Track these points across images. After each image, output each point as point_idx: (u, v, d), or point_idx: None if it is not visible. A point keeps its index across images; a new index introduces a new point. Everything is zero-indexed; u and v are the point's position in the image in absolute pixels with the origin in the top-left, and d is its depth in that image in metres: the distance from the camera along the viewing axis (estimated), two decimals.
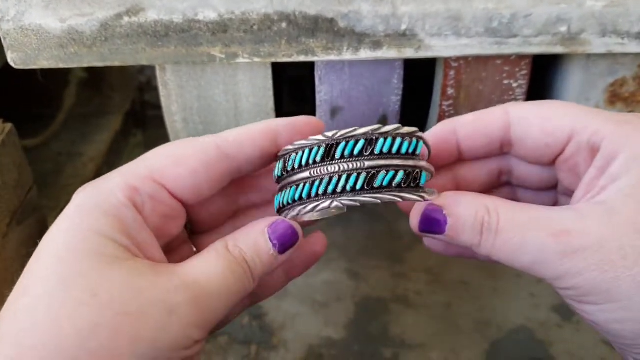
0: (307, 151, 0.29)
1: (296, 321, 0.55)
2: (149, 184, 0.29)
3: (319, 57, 0.46)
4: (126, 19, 0.44)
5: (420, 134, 0.30)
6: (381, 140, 0.29)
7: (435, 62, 0.51)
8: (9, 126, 0.52)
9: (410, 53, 0.46)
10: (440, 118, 0.52)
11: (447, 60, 0.49)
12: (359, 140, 0.29)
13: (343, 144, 0.29)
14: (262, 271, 0.30)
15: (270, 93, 0.50)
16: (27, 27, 0.44)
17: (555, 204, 0.36)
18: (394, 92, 0.50)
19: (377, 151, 0.28)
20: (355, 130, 0.29)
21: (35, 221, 0.56)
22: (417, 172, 0.29)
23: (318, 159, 0.29)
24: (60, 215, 0.29)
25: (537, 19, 0.45)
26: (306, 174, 0.29)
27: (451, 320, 0.55)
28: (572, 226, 0.27)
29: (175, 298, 0.26)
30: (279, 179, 0.32)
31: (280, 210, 0.32)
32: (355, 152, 0.28)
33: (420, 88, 0.55)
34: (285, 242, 0.30)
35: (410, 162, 0.29)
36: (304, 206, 0.30)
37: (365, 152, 0.28)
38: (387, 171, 0.28)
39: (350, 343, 0.53)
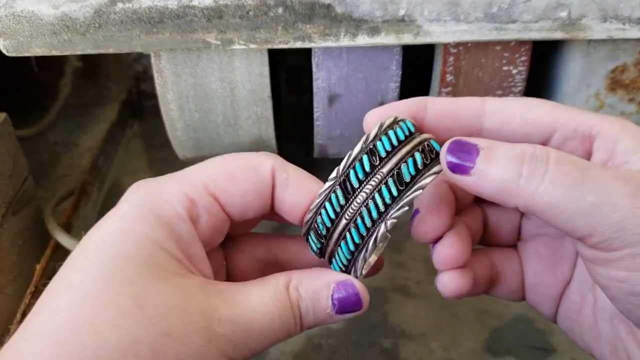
0: (327, 204, 0.28)
1: None
2: (206, 197, 0.29)
3: (316, 44, 0.45)
4: (120, 5, 0.43)
5: (398, 117, 0.29)
6: (379, 143, 0.28)
7: (434, 48, 0.50)
8: (3, 115, 0.52)
9: (408, 39, 0.45)
10: None
11: (446, 47, 0.48)
12: (362, 158, 0.28)
13: (352, 171, 0.28)
14: (312, 324, 0.29)
15: (266, 80, 0.49)
16: (20, 13, 0.43)
17: (518, 227, 0.33)
18: (392, 78, 0.50)
19: (383, 154, 0.28)
20: (351, 154, 0.28)
21: (31, 211, 0.56)
22: (427, 144, 0.28)
23: (342, 201, 0.28)
24: (111, 212, 0.28)
25: (536, 4, 0.44)
26: (343, 223, 0.28)
27: (451, 309, 0.55)
28: (635, 176, 0.25)
29: (218, 329, 0.26)
30: (322, 251, 0.30)
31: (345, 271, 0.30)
32: (367, 169, 0.28)
33: (418, 75, 0.54)
34: (346, 307, 0.29)
35: (415, 141, 0.28)
36: (364, 251, 0.28)
37: (375, 162, 0.28)
38: (406, 162, 0.28)
39: (349, 333, 0.53)
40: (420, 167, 0.28)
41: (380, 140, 0.28)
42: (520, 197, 0.25)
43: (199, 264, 0.28)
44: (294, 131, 0.66)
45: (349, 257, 0.29)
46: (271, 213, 0.31)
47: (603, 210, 0.24)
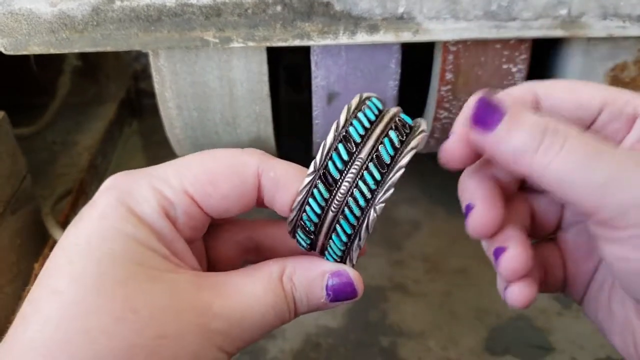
0: (311, 200, 0.28)
1: None
2: (183, 199, 0.28)
3: (315, 42, 0.45)
4: (118, 3, 0.43)
5: (363, 95, 0.28)
6: (351, 129, 0.27)
7: (433, 46, 0.50)
8: (1, 114, 0.51)
9: (407, 37, 0.45)
10: (439, 103, 0.51)
11: (445, 45, 0.48)
12: (337, 147, 0.27)
13: (330, 164, 0.27)
14: (305, 312, 0.29)
15: (265, 78, 0.49)
16: (17, 11, 0.43)
17: (561, 212, 0.33)
18: (391, 77, 0.49)
19: (358, 139, 0.27)
20: (325, 144, 0.27)
21: (29, 210, 0.56)
22: (398, 119, 0.28)
23: (325, 194, 0.27)
24: (88, 209, 0.27)
25: (536, 2, 0.44)
26: (330, 216, 0.28)
27: (450, 308, 0.55)
28: None
29: (213, 325, 0.26)
30: (312, 245, 0.29)
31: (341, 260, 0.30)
32: (345, 158, 0.27)
33: (418, 73, 0.54)
34: (340, 295, 0.29)
35: (386, 118, 0.28)
36: (357, 239, 0.28)
37: (351, 149, 0.27)
38: (383, 143, 0.27)
39: (348, 332, 0.53)
40: (397, 146, 0.27)
41: (352, 125, 0.27)
42: (534, 167, 0.25)
43: (185, 258, 0.28)
44: (293, 129, 0.66)
45: (342, 248, 0.29)
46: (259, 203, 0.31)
47: (610, 187, 0.24)
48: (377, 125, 0.27)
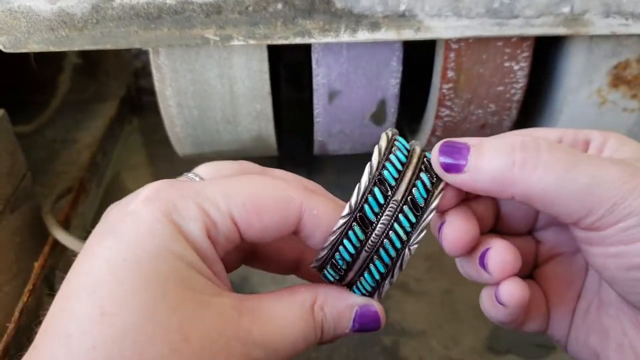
0: (345, 241, 0.28)
1: None
2: (227, 224, 0.27)
3: (316, 39, 0.45)
4: (118, 0, 0.43)
5: (389, 133, 0.29)
6: (385, 172, 0.28)
7: (435, 44, 0.50)
8: (1, 112, 0.51)
9: (409, 34, 0.45)
10: (441, 101, 0.51)
11: (447, 42, 0.48)
12: (373, 190, 0.28)
13: (366, 206, 0.28)
14: (329, 340, 0.29)
15: (266, 76, 0.49)
16: (16, 9, 0.43)
17: (536, 249, 0.34)
18: (393, 75, 0.49)
19: (392, 183, 0.28)
20: (360, 187, 0.28)
21: (29, 208, 0.56)
22: (426, 160, 0.29)
23: (361, 235, 0.28)
24: (130, 221, 0.26)
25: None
26: (364, 255, 0.28)
27: (451, 306, 0.54)
28: (620, 159, 0.26)
29: (253, 354, 0.26)
30: (340, 280, 0.30)
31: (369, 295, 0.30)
32: (381, 201, 0.28)
33: (419, 71, 0.54)
34: (364, 328, 0.29)
35: (415, 159, 0.29)
36: (390, 277, 0.29)
37: (386, 192, 0.28)
38: (416, 186, 0.28)
39: None
40: (430, 188, 0.28)
41: (386, 168, 0.28)
42: (516, 185, 0.26)
43: (223, 280, 0.28)
44: (294, 127, 0.65)
45: (373, 285, 0.29)
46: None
47: (595, 189, 0.25)
48: (408, 166, 0.28)
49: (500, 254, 0.29)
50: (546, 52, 0.52)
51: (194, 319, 0.24)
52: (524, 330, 0.32)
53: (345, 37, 0.45)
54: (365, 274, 0.29)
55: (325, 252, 0.29)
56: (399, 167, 0.28)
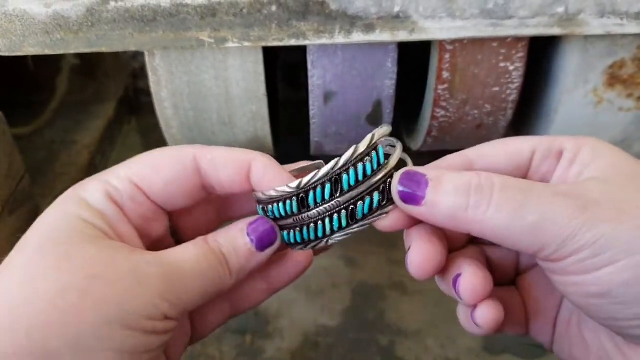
0: (281, 204, 0.30)
1: (292, 309, 0.54)
2: (127, 185, 0.30)
3: (311, 41, 0.45)
4: (113, 3, 0.43)
5: (376, 135, 0.29)
6: (345, 177, 0.29)
7: (430, 45, 0.50)
8: None
9: (403, 36, 0.45)
10: (436, 102, 0.51)
11: (442, 43, 0.48)
12: (325, 184, 0.29)
13: (312, 193, 0.29)
14: (239, 264, 0.30)
15: (261, 78, 0.49)
16: (12, 12, 0.43)
17: (517, 257, 0.35)
18: (388, 76, 0.49)
19: (345, 188, 0.29)
20: (317, 174, 0.29)
21: (27, 210, 0.56)
22: (389, 182, 0.29)
23: (295, 210, 0.30)
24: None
25: (533, 0, 0.44)
26: (290, 221, 0.30)
27: (448, 306, 0.54)
28: (575, 189, 0.27)
29: (146, 270, 0.27)
30: (263, 212, 0.32)
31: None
32: (326, 196, 0.29)
33: (415, 72, 0.54)
34: (264, 239, 0.30)
35: (379, 176, 0.29)
36: (300, 247, 0.31)
37: (335, 192, 0.29)
38: (363, 200, 0.29)
39: (346, 331, 0.53)
40: (375, 208, 0.29)
41: (347, 173, 0.29)
42: (469, 224, 0.27)
43: (131, 241, 0.30)
44: (291, 128, 0.65)
45: (292, 242, 0.31)
46: (217, 214, 0.34)
47: (545, 226, 0.26)
48: (369, 179, 0.29)
49: (471, 281, 0.29)
50: (541, 53, 0.52)
51: (78, 247, 0.27)
52: (504, 332, 0.33)
53: (340, 38, 0.45)
54: (284, 232, 0.31)
55: (263, 196, 0.30)
56: (360, 177, 0.29)
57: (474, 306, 0.30)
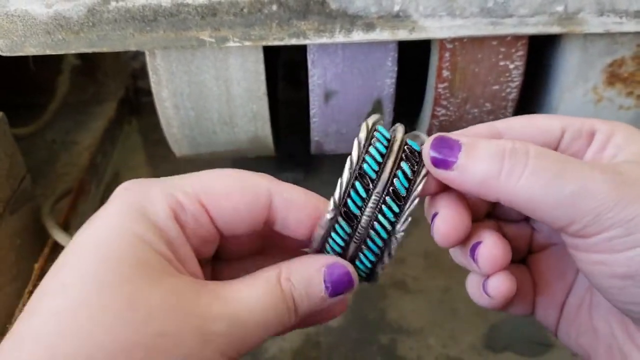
0: (334, 235, 0.29)
1: None
2: (195, 205, 0.28)
3: (311, 40, 0.45)
4: (113, 3, 0.43)
5: (369, 122, 0.29)
6: (365, 166, 0.28)
7: (430, 44, 0.50)
8: None
9: (404, 35, 0.45)
10: (436, 101, 0.51)
11: (442, 42, 0.48)
12: (354, 185, 0.28)
13: (349, 201, 0.28)
14: (307, 311, 0.29)
15: (262, 77, 0.49)
16: (13, 12, 0.43)
17: (531, 236, 0.34)
18: (388, 75, 0.49)
19: (373, 175, 0.28)
20: (342, 182, 0.28)
21: (29, 210, 0.56)
22: (407, 147, 0.29)
23: (347, 229, 0.29)
24: (101, 210, 0.28)
25: None
26: (353, 247, 0.29)
27: (449, 305, 0.55)
28: (612, 167, 0.26)
29: (213, 327, 0.26)
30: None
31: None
32: (363, 194, 0.28)
33: (415, 71, 0.54)
34: (339, 288, 0.29)
35: (395, 148, 0.29)
36: (381, 264, 0.30)
37: (367, 185, 0.28)
38: (397, 176, 0.28)
39: (348, 330, 0.53)
40: (410, 177, 0.28)
41: (366, 161, 0.28)
42: (501, 191, 0.26)
43: (189, 265, 0.28)
44: (292, 127, 0.66)
45: (367, 271, 0.30)
46: (268, 237, 0.32)
47: (581, 198, 0.25)
48: (388, 157, 0.28)
49: (491, 249, 0.29)
50: (541, 51, 0.53)
51: (144, 291, 0.25)
52: (507, 311, 0.32)
53: (340, 37, 0.45)
54: (357, 262, 0.29)
55: (315, 245, 0.29)
56: (379, 159, 0.28)
57: (488, 276, 0.29)
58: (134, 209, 0.27)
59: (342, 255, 0.29)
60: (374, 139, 0.29)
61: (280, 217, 0.29)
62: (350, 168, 0.28)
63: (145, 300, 0.25)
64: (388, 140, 0.29)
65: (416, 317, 0.53)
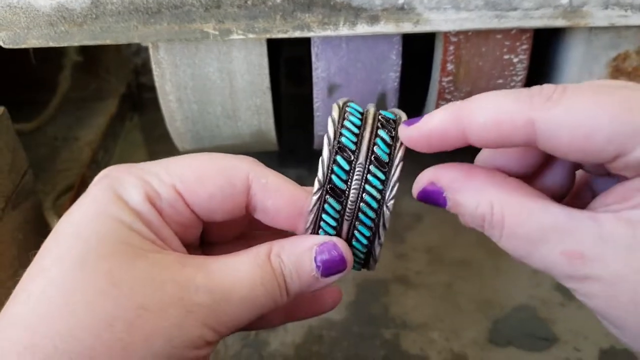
0: (324, 215, 0.29)
1: None
2: (170, 192, 0.28)
3: (315, 33, 0.45)
4: None
5: (340, 102, 0.29)
6: (343, 139, 0.28)
7: (434, 37, 0.50)
8: (1, 109, 0.51)
9: (408, 27, 0.45)
10: (440, 94, 0.51)
11: (446, 35, 0.48)
12: (336, 159, 0.28)
13: (334, 177, 0.28)
14: (299, 289, 0.28)
15: (265, 71, 0.49)
16: (16, 4, 0.43)
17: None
18: (392, 68, 0.49)
19: (352, 147, 0.28)
20: (323, 160, 0.28)
21: (30, 205, 0.56)
22: (381, 117, 0.29)
23: (337, 207, 0.28)
24: (80, 198, 0.28)
25: None
26: (346, 225, 0.29)
27: (452, 300, 0.54)
28: (587, 248, 0.24)
29: (195, 298, 0.26)
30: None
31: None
32: (346, 167, 0.28)
33: (419, 64, 0.54)
34: (331, 268, 0.28)
35: (370, 119, 0.29)
36: (377, 238, 0.29)
37: (349, 157, 0.28)
38: (376, 144, 0.28)
39: (351, 324, 0.52)
40: (390, 142, 0.28)
41: (343, 135, 0.28)
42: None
43: (172, 244, 0.28)
44: (295, 122, 0.65)
45: (364, 250, 0.30)
46: (249, 221, 0.32)
47: (549, 272, 0.25)
48: (364, 128, 0.29)
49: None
50: (545, 44, 0.52)
51: (124, 266, 0.25)
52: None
53: (344, 30, 0.45)
54: (353, 242, 0.29)
55: (308, 232, 0.29)
56: (355, 130, 0.28)
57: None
58: (110, 194, 0.27)
59: (337, 236, 0.29)
60: (346, 114, 0.29)
61: (259, 205, 0.29)
62: (329, 145, 0.28)
63: (125, 275, 0.25)
64: (361, 114, 0.29)
65: (419, 312, 0.53)
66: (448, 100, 0.51)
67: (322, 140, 0.55)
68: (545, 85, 0.25)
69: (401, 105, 0.53)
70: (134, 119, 0.82)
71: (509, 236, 0.26)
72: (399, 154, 0.28)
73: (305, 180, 0.67)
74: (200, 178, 0.28)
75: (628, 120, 0.23)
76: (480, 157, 0.29)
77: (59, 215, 0.57)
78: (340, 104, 0.29)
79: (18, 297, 0.25)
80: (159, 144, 0.75)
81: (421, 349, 0.50)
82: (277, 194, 0.29)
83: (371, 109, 0.29)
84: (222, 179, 0.28)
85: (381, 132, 0.28)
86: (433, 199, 0.28)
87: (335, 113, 0.29)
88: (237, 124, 0.52)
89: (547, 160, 0.29)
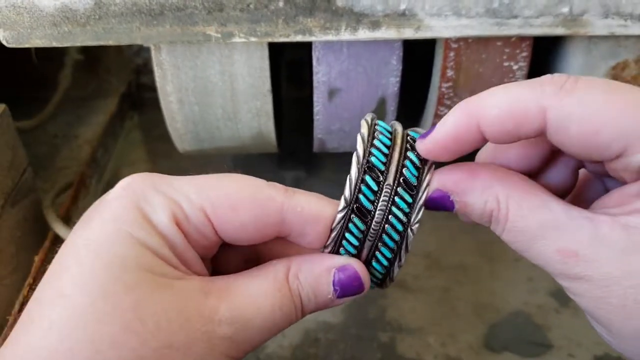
0: (348, 235, 0.28)
1: None
2: (199, 217, 0.27)
3: (317, 37, 0.45)
4: None
5: (368, 119, 0.29)
6: (373, 159, 0.28)
7: (434, 43, 0.50)
8: (2, 107, 0.51)
9: (409, 33, 0.45)
10: (440, 100, 0.51)
11: (446, 41, 0.48)
12: (365, 179, 0.28)
13: (361, 196, 0.28)
14: (314, 310, 0.28)
15: (267, 74, 0.49)
16: (20, 4, 0.43)
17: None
18: (393, 73, 0.50)
19: (382, 168, 0.28)
20: (351, 178, 0.28)
21: (29, 203, 0.56)
22: (409, 138, 0.29)
23: (361, 226, 0.28)
24: (100, 210, 0.27)
25: (538, 0, 0.44)
26: (368, 245, 0.29)
27: (449, 304, 0.55)
28: (582, 248, 0.25)
29: (219, 331, 0.25)
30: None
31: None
32: (375, 188, 0.28)
33: (419, 69, 0.54)
34: (347, 291, 0.28)
35: (399, 139, 0.29)
36: (398, 260, 0.29)
37: (378, 178, 0.28)
38: (406, 166, 0.28)
39: (348, 327, 0.53)
40: (419, 165, 0.28)
41: (373, 154, 0.28)
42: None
43: (195, 267, 0.28)
44: (295, 125, 0.66)
45: (383, 271, 0.29)
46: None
47: (543, 267, 0.26)
48: (394, 148, 0.28)
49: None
50: (545, 52, 0.53)
51: (150, 299, 0.24)
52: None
53: (345, 35, 0.45)
54: (373, 263, 0.29)
55: (329, 249, 0.29)
56: (385, 150, 0.28)
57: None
58: (135, 213, 0.26)
59: (357, 257, 0.29)
60: (376, 132, 0.28)
61: (296, 231, 0.28)
62: (358, 163, 0.28)
63: (151, 309, 0.24)
64: (390, 133, 0.29)
65: (416, 316, 0.54)
66: (447, 106, 0.52)
67: (321, 142, 0.55)
68: (556, 74, 0.26)
69: (401, 111, 0.54)
70: (134, 118, 0.83)
71: (511, 230, 0.26)
72: (427, 177, 0.28)
73: (303, 181, 0.67)
74: (234, 206, 0.27)
75: (638, 121, 0.23)
76: (480, 157, 0.30)
77: (59, 214, 0.58)
78: (369, 120, 0.29)
79: (37, 322, 0.24)
80: (158, 144, 0.75)
81: (417, 353, 0.50)
82: (315, 220, 0.28)
83: (399, 128, 0.29)
84: (257, 209, 0.27)
85: (410, 154, 0.28)
86: (441, 205, 0.28)
87: (364, 130, 0.28)
88: (237, 126, 0.53)
89: (548, 158, 0.29)
